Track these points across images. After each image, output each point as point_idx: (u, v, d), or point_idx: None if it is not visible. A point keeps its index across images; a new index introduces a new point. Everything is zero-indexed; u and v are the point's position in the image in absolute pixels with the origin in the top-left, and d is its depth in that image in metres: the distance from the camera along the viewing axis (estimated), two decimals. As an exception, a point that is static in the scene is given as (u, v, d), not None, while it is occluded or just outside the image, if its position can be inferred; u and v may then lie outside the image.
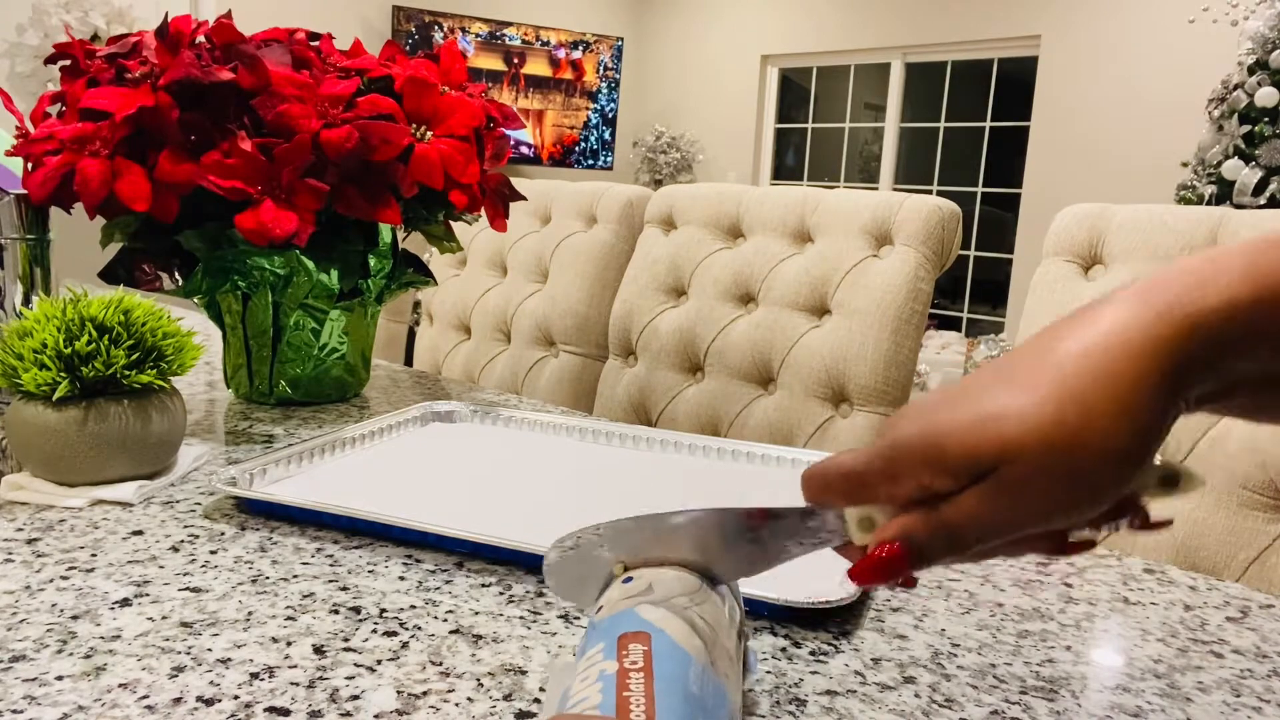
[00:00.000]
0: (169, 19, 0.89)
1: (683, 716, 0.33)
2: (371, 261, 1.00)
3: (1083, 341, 0.34)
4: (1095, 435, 0.33)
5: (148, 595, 0.54)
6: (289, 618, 0.52)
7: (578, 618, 0.54)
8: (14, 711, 0.42)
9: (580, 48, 5.94)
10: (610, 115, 6.15)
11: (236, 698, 0.44)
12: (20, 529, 0.63)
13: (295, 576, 0.58)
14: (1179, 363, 0.33)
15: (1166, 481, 0.36)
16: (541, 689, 0.46)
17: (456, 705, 0.44)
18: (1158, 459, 0.36)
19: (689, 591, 0.40)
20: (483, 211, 1.00)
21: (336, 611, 0.53)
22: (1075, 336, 0.35)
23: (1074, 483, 0.33)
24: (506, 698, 0.45)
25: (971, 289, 5.40)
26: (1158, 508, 0.38)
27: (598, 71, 6.03)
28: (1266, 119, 3.18)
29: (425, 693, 0.45)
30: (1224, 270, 0.34)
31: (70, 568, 0.57)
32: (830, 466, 0.39)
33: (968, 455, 0.34)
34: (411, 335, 1.83)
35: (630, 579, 0.41)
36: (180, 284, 0.92)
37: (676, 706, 0.33)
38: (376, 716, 0.43)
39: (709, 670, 0.36)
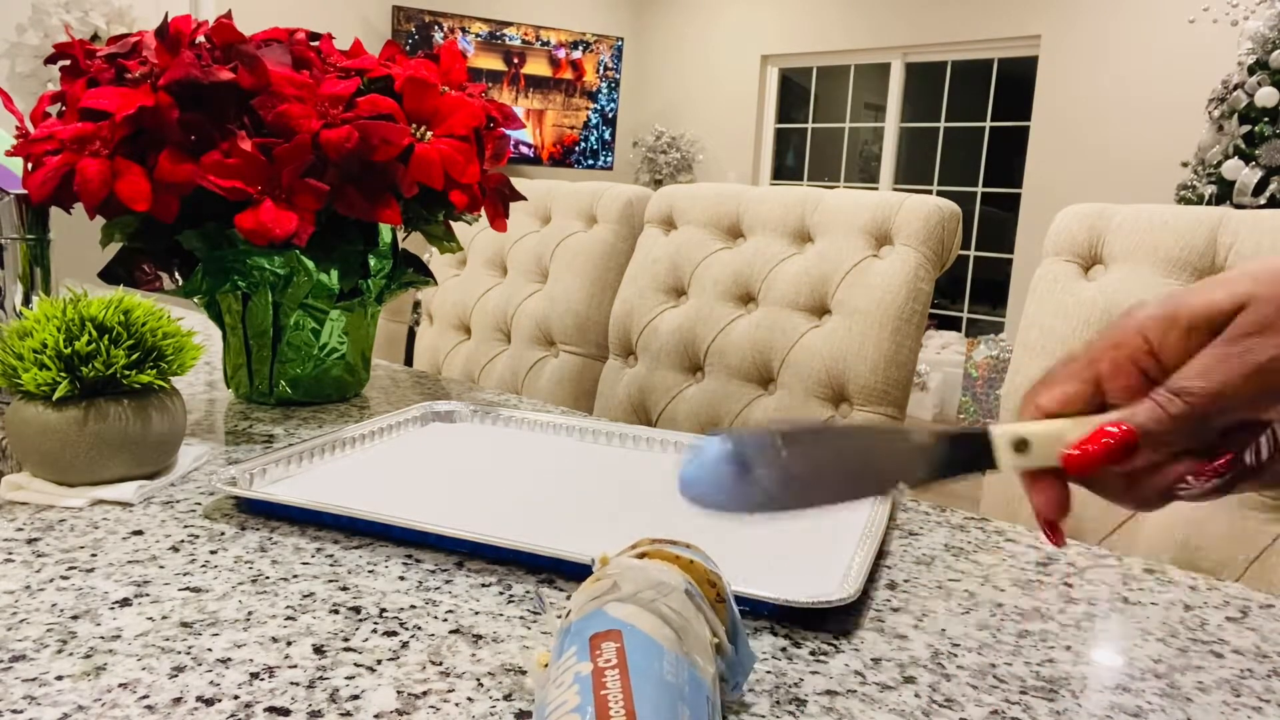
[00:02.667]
0: (169, 19, 0.89)
1: (661, 706, 0.33)
2: (371, 261, 1.00)
3: None
4: None
5: (148, 595, 0.54)
6: (289, 618, 0.52)
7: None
8: (14, 711, 0.42)
9: (580, 48, 5.94)
10: (610, 115, 6.15)
11: (236, 698, 0.44)
12: (20, 529, 0.63)
13: (295, 576, 0.58)
14: None
15: None
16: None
17: (456, 705, 0.45)
18: None
19: (655, 584, 0.40)
20: (483, 211, 1.00)
21: (336, 611, 0.53)
22: None
23: None
24: (506, 698, 0.45)
25: (971, 289, 5.40)
26: None
27: (598, 71, 6.03)
28: (1266, 119, 3.18)
29: (425, 693, 0.45)
30: None
31: (70, 568, 0.57)
32: (1056, 366, 0.39)
33: (1205, 305, 0.35)
34: (411, 335, 1.83)
35: (597, 579, 0.41)
36: (180, 284, 0.92)
37: (654, 697, 0.33)
38: (376, 716, 0.43)
39: (683, 658, 0.37)
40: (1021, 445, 0.38)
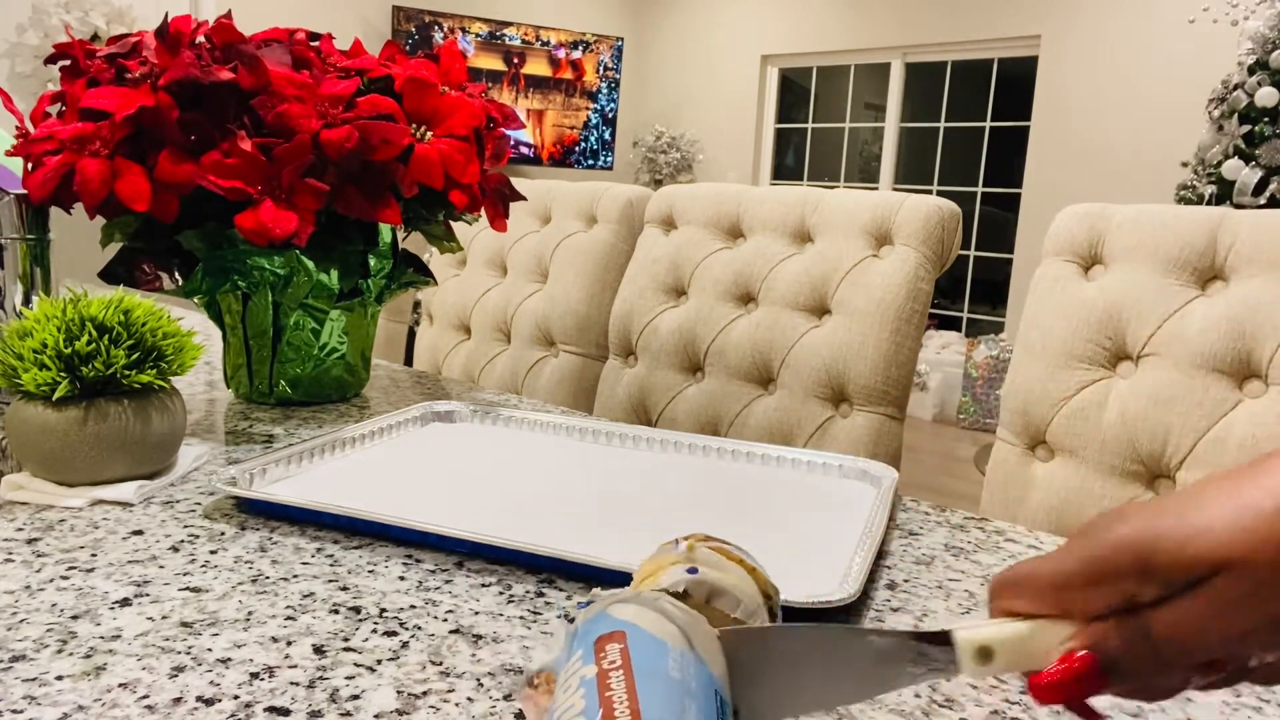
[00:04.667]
0: (169, 19, 0.89)
1: (667, 702, 0.33)
2: (371, 261, 1.00)
3: None
4: None
5: (148, 595, 0.54)
6: (289, 618, 0.52)
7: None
8: (14, 711, 0.42)
9: (580, 48, 5.94)
10: (610, 115, 6.15)
11: (236, 698, 0.44)
12: (20, 529, 0.63)
13: (295, 576, 0.58)
14: None
15: None
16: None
17: (456, 705, 0.45)
18: None
19: (725, 589, 0.40)
20: (483, 211, 1.00)
21: (336, 611, 0.53)
22: None
23: None
24: (506, 698, 0.45)
25: (971, 289, 5.40)
26: None
27: (598, 71, 6.03)
28: (1266, 119, 3.18)
29: (425, 693, 0.45)
30: None
31: (70, 568, 0.57)
32: (1023, 573, 0.36)
33: (1184, 562, 0.32)
34: (411, 335, 1.83)
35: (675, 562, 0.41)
36: (180, 284, 0.92)
37: (660, 695, 0.33)
38: (376, 716, 0.43)
39: (689, 653, 0.36)
40: (985, 654, 0.36)
